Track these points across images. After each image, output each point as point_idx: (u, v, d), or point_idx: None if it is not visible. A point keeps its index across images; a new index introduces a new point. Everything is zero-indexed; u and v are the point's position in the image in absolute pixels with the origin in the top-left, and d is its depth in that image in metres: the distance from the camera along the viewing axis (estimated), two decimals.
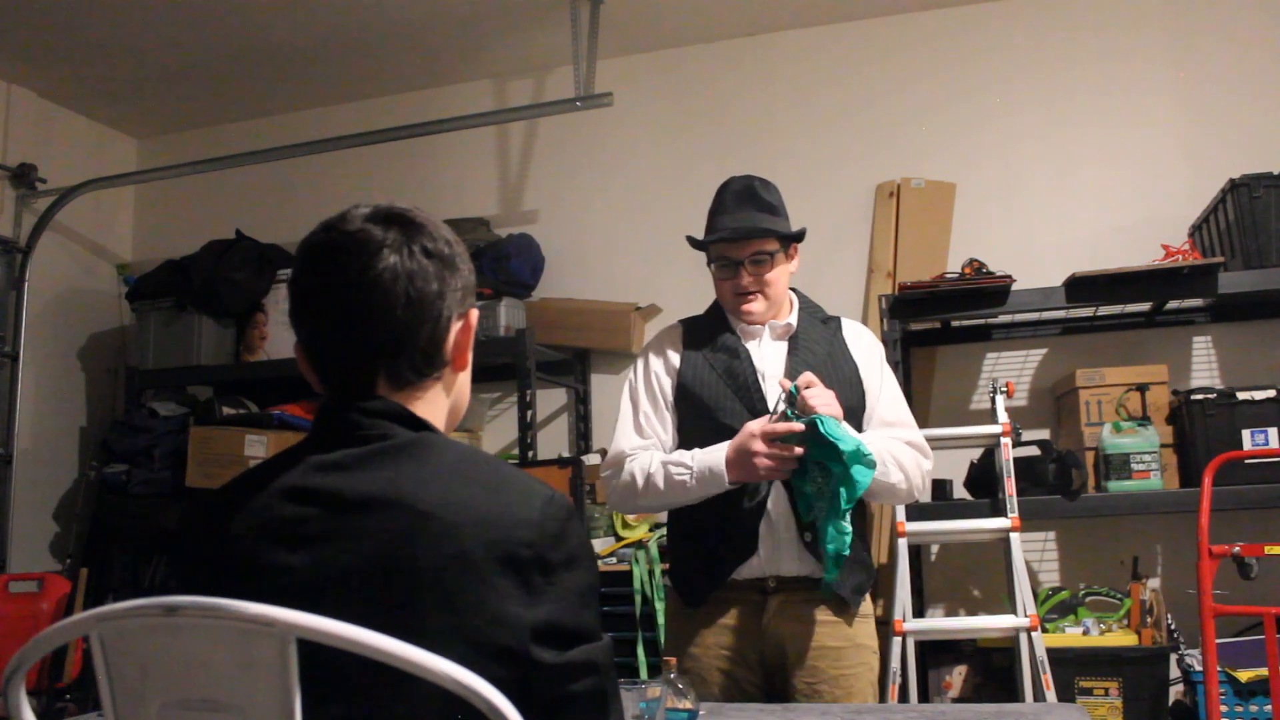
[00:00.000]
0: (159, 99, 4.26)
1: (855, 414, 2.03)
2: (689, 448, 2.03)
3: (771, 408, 1.95)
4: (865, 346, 2.14)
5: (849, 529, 1.85)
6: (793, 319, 2.12)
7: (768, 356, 2.08)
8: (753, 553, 1.97)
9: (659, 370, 2.13)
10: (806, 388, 1.87)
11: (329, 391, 1.11)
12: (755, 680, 2.01)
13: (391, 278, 1.05)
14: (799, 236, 2.11)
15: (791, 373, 2.01)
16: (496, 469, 1.07)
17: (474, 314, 1.15)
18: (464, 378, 1.17)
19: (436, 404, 1.12)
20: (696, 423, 2.06)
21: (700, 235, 2.12)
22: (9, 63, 3.90)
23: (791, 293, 2.17)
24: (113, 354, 4.33)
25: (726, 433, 1.97)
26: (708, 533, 2.03)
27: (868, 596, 2.09)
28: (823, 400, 1.86)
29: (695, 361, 2.10)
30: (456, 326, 1.12)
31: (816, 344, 2.09)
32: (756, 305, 2.07)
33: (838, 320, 2.18)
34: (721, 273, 2.09)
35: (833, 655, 1.98)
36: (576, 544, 1.04)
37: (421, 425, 1.08)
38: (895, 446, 2.02)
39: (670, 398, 2.11)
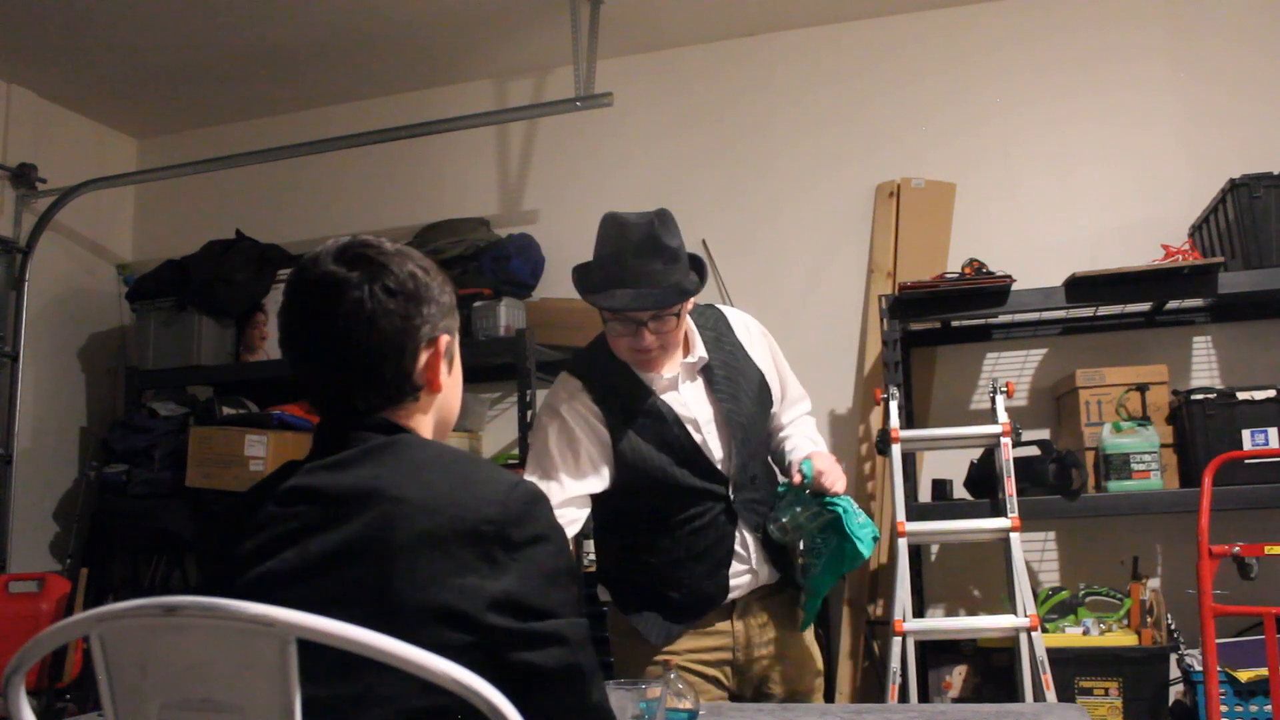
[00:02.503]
0: (159, 99, 4.26)
1: (771, 418, 2.09)
2: (639, 503, 1.94)
3: (783, 489, 1.98)
4: (756, 338, 2.08)
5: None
6: (698, 349, 1.96)
7: (691, 403, 1.93)
8: (725, 596, 1.96)
9: (587, 442, 1.89)
10: (819, 474, 1.88)
11: (318, 412, 1.19)
12: (725, 681, 2.01)
13: (354, 318, 1.13)
14: (702, 282, 1.92)
15: (726, 413, 1.93)
16: (469, 461, 1.17)
17: (444, 340, 1.20)
18: (444, 396, 1.23)
19: (416, 419, 1.20)
20: (646, 486, 1.92)
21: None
22: (9, 63, 3.90)
23: (686, 318, 1.97)
24: (113, 354, 4.33)
25: (683, 492, 1.91)
26: (678, 589, 1.94)
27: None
28: (839, 478, 1.90)
29: (624, 433, 1.89)
30: (425, 355, 1.18)
31: (725, 366, 1.99)
32: (661, 366, 1.91)
33: (722, 319, 2.05)
34: (618, 328, 1.87)
35: (783, 642, 2.04)
36: (543, 525, 1.09)
37: (398, 429, 1.16)
38: (811, 433, 2.12)
39: (607, 469, 1.91)
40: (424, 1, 3.56)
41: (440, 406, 1.23)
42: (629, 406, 1.91)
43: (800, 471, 1.87)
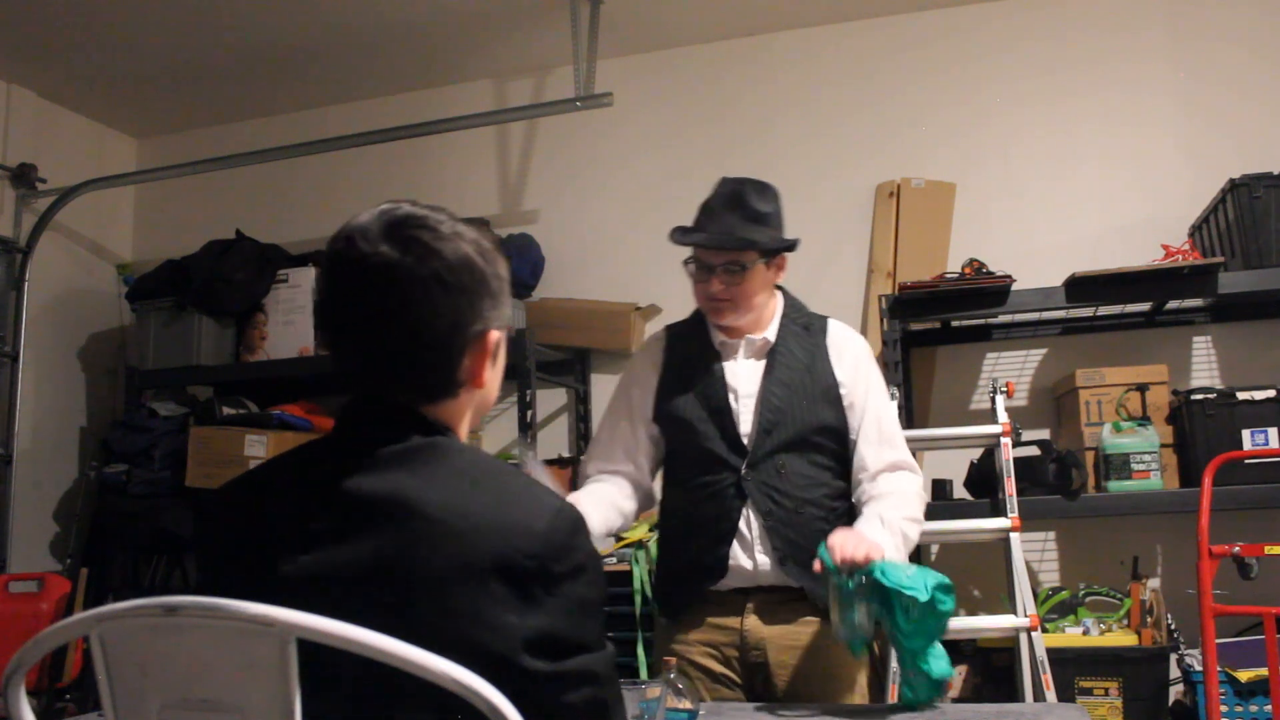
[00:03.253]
0: (159, 99, 4.26)
1: (835, 431, 2.02)
2: (670, 465, 2.09)
3: (829, 590, 1.77)
4: (851, 355, 2.06)
5: (942, 650, 1.73)
6: (770, 332, 2.06)
7: (742, 374, 2.03)
8: (723, 575, 1.98)
9: (638, 389, 2.11)
10: (833, 549, 1.74)
11: (349, 394, 1.12)
12: (736, 679, 2.01)
13: (401, 310, 1.04)
14: (787, 246, 2.04)
15: (765, 393, 1.99)
16: (507, 476, 1.07)
17: (493, 336, 1.11)
18: (485, 392, 1.15)
19: (452, 412, 1.12)
20: (679, 444, 2.07)
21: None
22: (9, 63, 3.90)
23: (779, 294, 2.11)
24: (113, 354, 4.33)
25: (703, 455, 1.99)
26: (682, 552, 2.05)
27: None
28: (859, 546, 1.73)
29: (673, 381, 2.07)
30: (472, 352, 1.10)
31: (795, 357, 2.04)
32: (727, 317, 2.03)
33: (824, 324, 2.10)
34: (695, 275, 2.04)
35: (813, 653, 1.96)
36: (583, 556, 1.03)
37: (437, 429, 1.08)
38: (900, 509, 1.93)
39: (649, 417, 2.09)
40: (424, 1, 3.56)
41: (480, 401, 1.16)
42: (691, 358, 2.07)
43: (819, 559, 1.76)
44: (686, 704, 1.61)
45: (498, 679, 0.92)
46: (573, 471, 3.50)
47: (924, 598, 1.65)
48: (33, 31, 3.65)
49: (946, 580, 1.69)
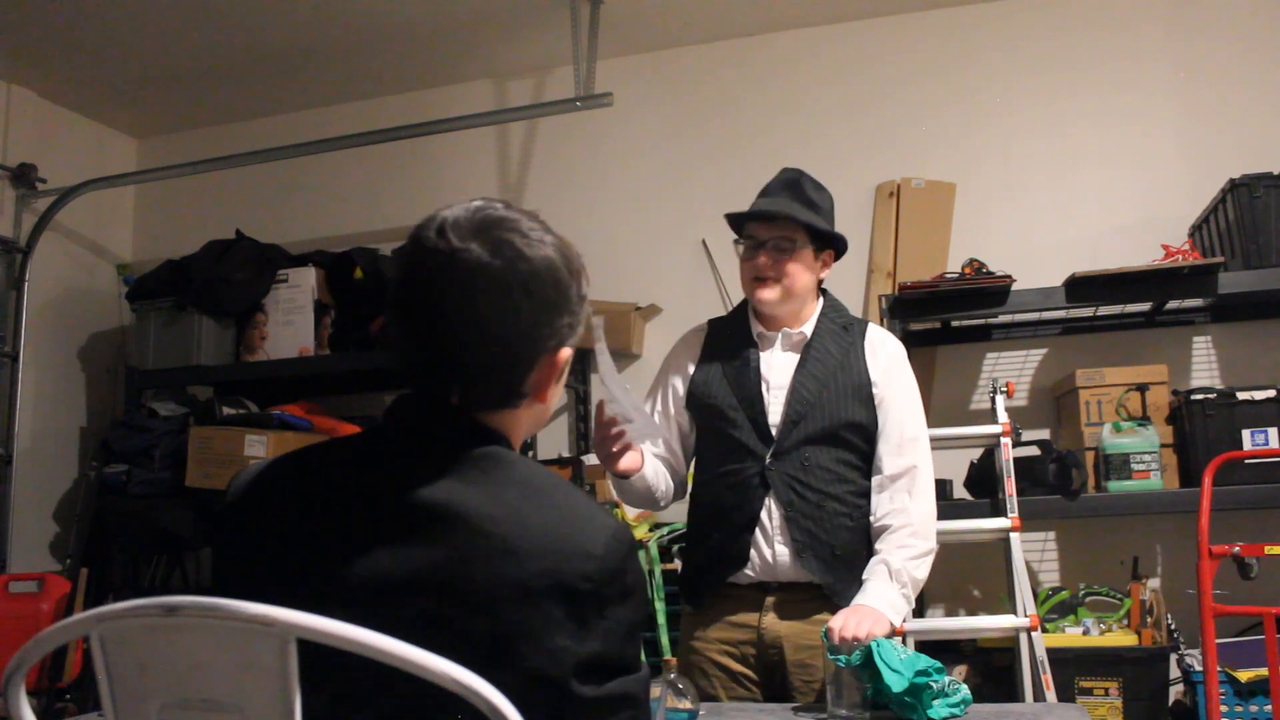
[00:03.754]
0: (159, 99, 4.26)
1: (863, 428, 2.02)
2: (700, 452, 2.13)
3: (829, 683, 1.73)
4: (885, 356, 2.08)
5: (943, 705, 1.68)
6: (808, 328, 2.09)
7: (776, 366, 2.07)
8: (744, 565, 1.99)
9: (675, 375, 2.16)
10: (831, 631, 1.75)
11: (410, 388, 1.09)
12: (754, 678, 2.02)
13: (480, 314, 1.02)
14: (832, 238, 2.08)
15: (796, 384, 2.02)
16: (566, 493, 1.04)
17: (564, 354, 1.10)
18: (545, 406, 1.14)
19: (510, 423, 1.10)
20: (709, 432, 2.10)
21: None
22: (9, 63, 3.90)
23: (822, 298, 2.14)
24: (113, 354, 4.33)
25: (730, 443, 2.02)
26: (706, 540, 2.07)
27: None
28: (860, 625, 1.75)
29: (709, 369, 2.11)
30: (541, 364, 1.08)
31: (829, 353, 2.06)
32: (769, 293, 2.04)
33: (863, 326, 2.13)
34: (745, 252, 2.10)
35: None
36: (633, 579, 1.02)
37: (494, 439, 1.06)
38: (909, 548, 1.94)
39: (682, 402, 2.14)
40: (424, 1, 3.56)
41: (538, 414, 1.14)
42: (728, 349, 2.11)
43: (823, 641, 1.75)
44: (687, 704, 1.61)
45: (546, 700, 0.92)
46: (573, 471, 3.50)
47: (896, 688, 1.62)
48: (33, 31, 3.65)
49: (934, 666, 1.66)
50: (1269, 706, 2.65)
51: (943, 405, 3.52)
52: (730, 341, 2.13)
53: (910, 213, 3.58)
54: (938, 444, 3.18)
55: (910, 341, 3.42)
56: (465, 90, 4.13)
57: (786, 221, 2.03)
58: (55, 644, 0.90)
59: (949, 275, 3.18)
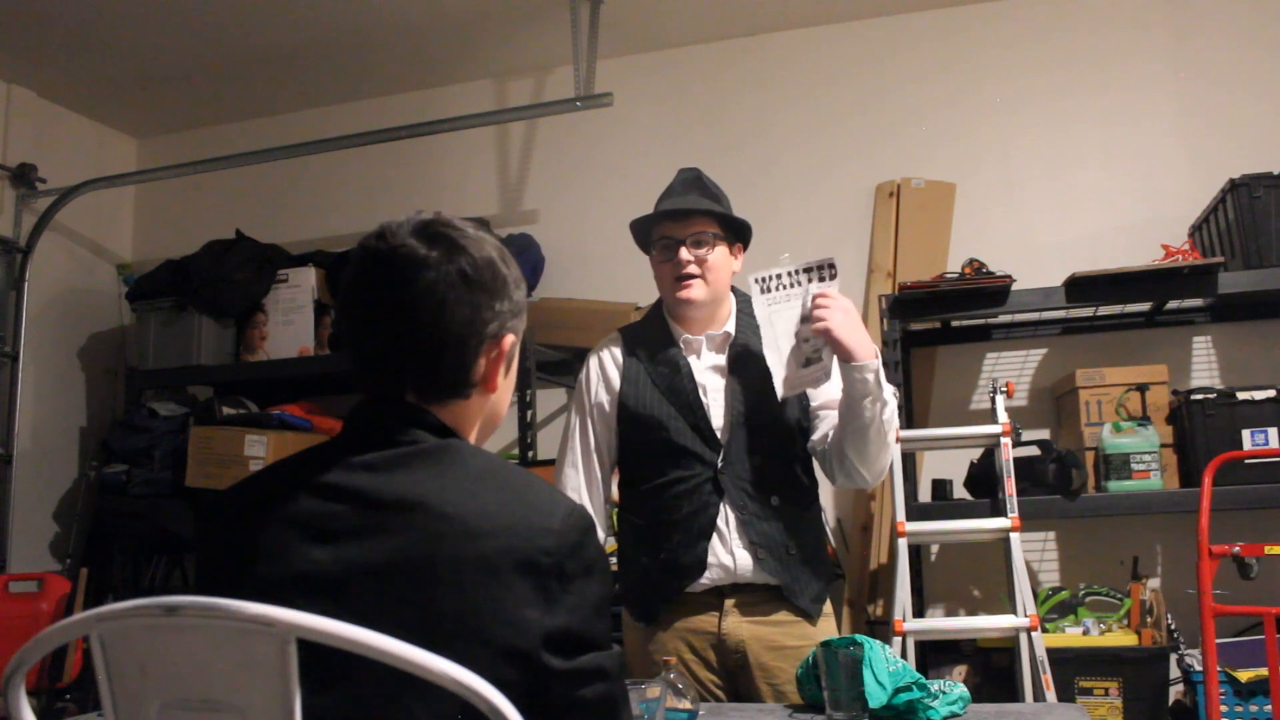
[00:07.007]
0: (159, 99, 4.26)
1: (800, 402, 2.01)
2: (633, 464, 2.06)
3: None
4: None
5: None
6: (730, 326, 2.07)
7: (707, 369, 2.04)
8: (702, 572, 1.96)
9: (602, 393, 2.09)
10: (821, 297, 1.82)
11: (364, 392, 1.14)
12: (719, 682, 2.00)
13: (424, 300, 1.07)
14: (742, 228, 2.07)
15: (733, 386, 2.00)
16: (520, 477, 1.09)
17: (508, 340, 1.15)
18: (496, 398, 1.18)
19: (464, 417, 1.14)
20: (641, 441, 2.04)
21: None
22: (9, 63, 3.90)
23: (732, 295, 2.11)
24: (113, 354, 4.33)
25: (675, 451, 1.98)
26: (654, 554, 2.01)
27: (828, 599, 2.07)
28: (834, 316, 1.81)
29: (636, 379, 2.06)
30: (488, 353, 1.13)
31: (756, 349, 2.02)
32: (696, 291, 2.00)
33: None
34: (661, 255, 2.04)
35: (794, 655, 1.94)
36: (594, 555, 1.06)
37: (449, 433, 1.11)
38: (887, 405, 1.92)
39: (612, 419, 2.07)
40: (424, 1, 3.56)
41: (492, 407, 1.18)
42: (654, 355, 2.06)
43: (820, 648, 1.65)
44: (686, 704, 1.61)
45: (518, 674, 0.95)
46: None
47: (873, 703, 1.60)
48: (33, 31, 3.65)
49: (918, 681, 1.64)
50: (1269, 706, 2.65)
51: (943, 405, 3.52)
52: (652, 349, 2.07)
53: (910, 212, 3.58)
54: (938, 444, 3.21)
55: (910, 341, 3.43)
56: (465, 90, 4.13)
57: (701, 216, 2.01)
58: (55, 644, 0.90)
59: (949, 275, 3.18)
